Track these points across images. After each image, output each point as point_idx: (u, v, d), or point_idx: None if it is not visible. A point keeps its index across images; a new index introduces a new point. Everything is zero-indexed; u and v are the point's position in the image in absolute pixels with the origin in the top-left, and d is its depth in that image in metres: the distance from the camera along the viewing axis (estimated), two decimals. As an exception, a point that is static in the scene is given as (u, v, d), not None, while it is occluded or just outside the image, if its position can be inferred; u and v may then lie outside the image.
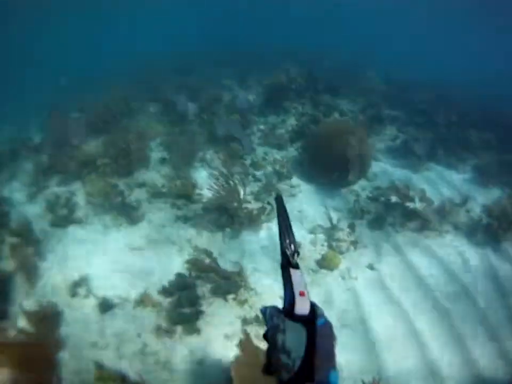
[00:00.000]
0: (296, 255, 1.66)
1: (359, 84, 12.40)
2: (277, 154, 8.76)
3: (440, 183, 8.22)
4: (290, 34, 20.86)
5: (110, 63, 16.44)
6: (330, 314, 4.72)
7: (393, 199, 6.98)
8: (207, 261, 5.34)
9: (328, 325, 1.36)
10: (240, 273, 5.29)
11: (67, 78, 14.57)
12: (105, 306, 5.10)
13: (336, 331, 1.56)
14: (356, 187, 7.74)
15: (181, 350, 4.60)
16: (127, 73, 14.30)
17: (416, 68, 15.72)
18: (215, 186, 6.45)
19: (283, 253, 1.66)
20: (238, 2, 29.27)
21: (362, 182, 7.85)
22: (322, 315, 1.42)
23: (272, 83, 10.86)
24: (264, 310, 1.46)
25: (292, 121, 9.94)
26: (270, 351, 1.29)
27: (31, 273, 5.55)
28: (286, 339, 1.27)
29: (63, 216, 6.66)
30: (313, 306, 1.43)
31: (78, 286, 5.42)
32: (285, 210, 1.95)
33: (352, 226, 6.39)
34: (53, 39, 23.19)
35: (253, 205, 6.82)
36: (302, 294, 1.37)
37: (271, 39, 19.22)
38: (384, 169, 8.49)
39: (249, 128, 9.54)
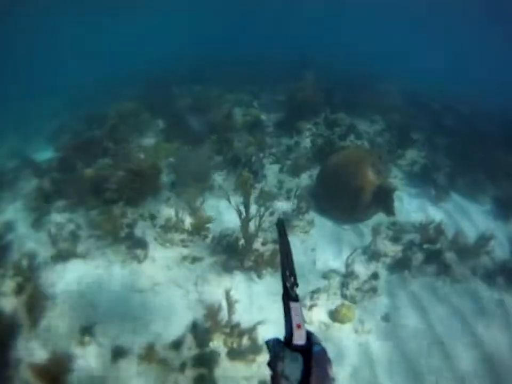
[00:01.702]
0: (295, 287, 1.71)
1: (376, 99, 12.10)
2: (289, 183, 8.46)
3: (459, 216, 7.96)
4: (301, 38, 20.34)
5: (118, 71, 16.37)
6: (341, 372, 4.55)
7: (410, 238, 6.82)
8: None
9: (323, 351, 1.50)
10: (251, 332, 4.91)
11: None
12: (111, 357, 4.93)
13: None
14: (372, 222, 7.37)
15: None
16: (135, 82, 14.29)
17: (437, 81, 15.12)
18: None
19: (284, 285, 1.71)
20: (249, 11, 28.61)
21: (379, 216, 7.55)
22: (318, 343, 1.56)
23: (288, 100, 10.90)
24: (267, 341, 1.61)
25: (306, 143, 9.66)
26: (272, 377, 1.48)
27: (33, 313, 5.41)
28: (285, 366, 1.46)
29: (65, 250, 6.49)
30: (309, 335, 1.56)
31: (81, 331, 5.26)
32: (286, 237, 1.94)
33: (368, 276, 5.96)
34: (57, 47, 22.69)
35: (263, 242, 6.71)
36: (299, 326, 1.53)
37: (284, 43, 18.78)
38: (401, 199, 8.25)
39: (261, 151, 9.02)
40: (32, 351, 4.97)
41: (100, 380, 4.68)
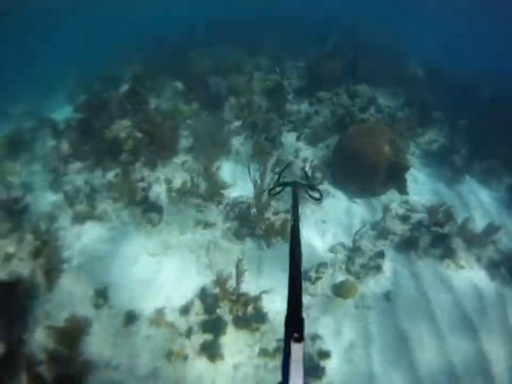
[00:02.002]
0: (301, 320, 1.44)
1: (400, 72, 12.05)
2: (306, 152, 8.54)
3: (472, 201, 7.99)
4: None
5: (135, 36, 16.25)
6: (338, 346, 5.02)
7: (420, 218, 6.84)
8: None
9: None
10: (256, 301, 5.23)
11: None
12: (123, 320, 5.27)
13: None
14: (384, 198, 7.53)
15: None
16: (152, 46, 14.21)
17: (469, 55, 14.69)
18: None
19: (288, 307, 1.49)
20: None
21: (392, 193, 7.70)
22: None
23: (310, 67, 10.91)
24: None
25: (325, 113, 9.61)
26: None
27: (49, 277, 5.70)
28: None
29: (82, 211, 6.76)
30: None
31: (95, 294, 5.57)
32: (299, 248, 1.74)
33: (375, 253, 6.14)
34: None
35: (275, 212, 6.85)
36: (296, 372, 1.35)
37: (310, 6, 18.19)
38: (416, 178, 8.28)
39: (280, 118, 9.09)
40: (48, 313, 5.32)
41: (112, 342, 5.01)
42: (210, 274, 5.81)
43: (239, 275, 5.29)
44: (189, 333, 5.12)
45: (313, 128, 9.04)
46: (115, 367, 4.78)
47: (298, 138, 8.90)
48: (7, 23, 19.70)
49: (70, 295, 5.56)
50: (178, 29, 15.71)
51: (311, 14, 17.57)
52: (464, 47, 17.86)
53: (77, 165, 7.88)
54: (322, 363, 4.90)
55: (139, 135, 7.69)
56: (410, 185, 8.02)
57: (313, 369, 4.79)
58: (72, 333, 4.84)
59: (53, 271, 5.75)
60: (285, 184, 2.64)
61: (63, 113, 10.01)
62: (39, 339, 4.94)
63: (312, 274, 5.79)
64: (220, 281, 5.32)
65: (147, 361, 4.86)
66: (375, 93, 10.32)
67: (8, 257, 5.96)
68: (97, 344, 4.99)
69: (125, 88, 9.45)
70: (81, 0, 22.75)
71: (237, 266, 5.29)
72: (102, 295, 5.54)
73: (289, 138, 8.91)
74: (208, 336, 5.08)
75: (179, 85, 10.42)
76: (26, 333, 5.01)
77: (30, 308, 5.30)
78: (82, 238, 6.44)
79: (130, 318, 5.26)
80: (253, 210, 6.43)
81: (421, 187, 7.99)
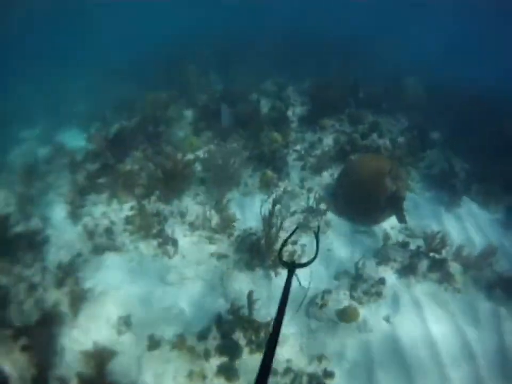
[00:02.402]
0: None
1: (400, 94, 12.71)
2: (311, 181, 9.29)
3: (469, 223, 8.63)
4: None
5: (140, 54, 16.95)
6: (341, 366, 5.77)
7: (419, 244, 7.53)
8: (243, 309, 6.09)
9: None
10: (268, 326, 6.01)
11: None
12: (146, 345, 5.98)
13: None
14: (385, 224, 8.15)
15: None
16: (159, 65, 14.85)
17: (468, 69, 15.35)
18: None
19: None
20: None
21: (393, 219, 8.29)
22: None
23: (313, 94, 11.56)
24: None
25: (328, 141, 10.35)
26: None
27: (74, 305, 6.47)
28: None
29: (101, 244, 7.50)
30: None
31: (118, 321, 6.33)
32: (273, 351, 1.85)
33: (376, 280, 6.81)
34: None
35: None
36: None
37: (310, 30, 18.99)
38: (416, 203, 8.96)
39: (286, 148, 9.82)
40: (75, 339, 6.06)
41: (136, 366, 5.73)
42: (225, 302, 6.54)
43: (251, 305, 5.96)
44: (207, 356, 5.78)
45: (317, 157, 9.80)
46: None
47: (303, 168, 9.56)
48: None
49: (95, 322, 6.32)
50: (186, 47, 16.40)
51: (310, 35, 18.27)
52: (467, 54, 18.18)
53: (93, 197, 8.59)
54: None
55: (152, 169, 8.41)
56: (411, 210, 8.73)
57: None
58: (99, 359, 5.51)
59: (77, 299, 6.50)
60: (283, 264, 2.75)
61: (74, 139, 11.03)
62: (69, 363, 5.68)
63: (318, 301, 6.34)
64: (234, 309, 6.08)
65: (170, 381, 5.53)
66: (377, 118, 11.02)
67: (33, 287, 6.66)
68: (123, 367, 5.71)
69: (137, 120, 10.18)
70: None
71: (249, 298, 5.95)
72: (124, 322, 6.28)
73: (295, 168, 9.61)
74: (225, 359, 5.75)
75: (189, 114, 11.11)
76: (56, 357, 5.71)
77: (58, 334, 6.04)
78: (102, 269, 7.17)
79: (153, 342, 5.99)
80: (262, 242, 7.04)
81: (421, 211, 8.66)
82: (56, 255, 7.35)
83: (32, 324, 5.96)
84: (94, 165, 9.28)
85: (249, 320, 6.03)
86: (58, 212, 8.43)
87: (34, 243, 7.41)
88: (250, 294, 6.03)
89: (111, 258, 7.35)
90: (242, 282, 6.93)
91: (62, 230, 7.97)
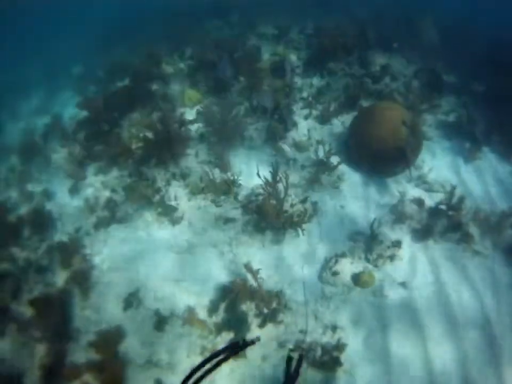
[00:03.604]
0: None
1: (414, 34, 11.95)
2: (321, 130, 9.03)
3: (490, 178, 8.38)
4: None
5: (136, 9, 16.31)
6: (357, 334, 5.81)
7: (437, 200, 7.38)
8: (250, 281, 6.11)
9: None
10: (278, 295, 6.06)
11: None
12: (157, 320, 6.08)
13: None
14: (401, 177, 8.05)
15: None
16: (154, 20, 14.46)
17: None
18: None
19: None
20: None
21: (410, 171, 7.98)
22: None
23: (319, 36, 11.08)
24: None
25: (337, 85, 9.99)
26: None
27: (83, 284, 6.54)
28: None
29: (104, 217, 7.54)
30: None
31: (129, 297, 6.41)
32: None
33: (393, 242, 6.77)
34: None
35: (292, 203, 7.47)
36: None
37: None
38: (433, 152, 8.76)
39: (291, 95, 9.54)
40: (88, 320, 6.20)
41: (148, 343, 5.83)
42: (236, 269, 6.62)
43: (255, 277, 6.03)
44: (219, 330, 5.90)
45: (326, 103, 9.40)
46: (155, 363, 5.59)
47: (311, 116, 9.27)
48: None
49: (105, 300, 6.44)
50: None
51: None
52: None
53: (93, 167, 8.56)
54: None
55: (150, 133, 8.13)
56: (428, 161, 8.57)
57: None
58: (112, 339, 5.63)
59: (85, 279, 6.57)
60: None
61: (71, 106, 10.69)
62: (83, 347, 5.79)
63: (332, 265, 6.30)
64: (239, 282, 6.12)
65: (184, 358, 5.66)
66: (389, 60, 10.69)
67: (41, 269, 6.73)
68: (135, 344, 5.86)
69: (130, 80, 9.84)
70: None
71: (250, 271, 6.07)
72: (135, 297, 6.39)
73: (302, 116, 9.36)
74: (236, 332, 5.87)
75: (185, 67, 10.72)
76: (70, 343, 5.81)
77: (70, 317, 6.18)
78: (108, 242, 7.21)
79: (164, 318, 6.08)
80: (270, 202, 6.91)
81: (439, 163, 8.47)
82: (61, 233, 7.48)
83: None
84: (89, 133, 9.15)
85: (255, 291, 6.02)
86: (60, 187, 8.47)
87: (39, 224, 7.50)
88: (247, 266, 6.03)
89: (116, 231, 7.39)
90: (252, 247, 6.91)
91: (65, 206, 8.04)
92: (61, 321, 6.11)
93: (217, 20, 13.62)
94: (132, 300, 6.35)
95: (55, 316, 6.11)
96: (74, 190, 8.31)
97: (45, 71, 14.53)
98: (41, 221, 7.68)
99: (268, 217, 6.76)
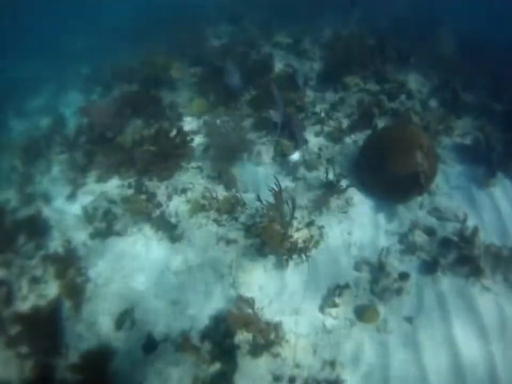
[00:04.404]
0: None
1: (432, 49, 11.74)
2: (332, 149, 8.85)
3: (505, 207, 8.13)
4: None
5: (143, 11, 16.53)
6: (356, 371, 5.62)
7: (449, 230, 7.28)
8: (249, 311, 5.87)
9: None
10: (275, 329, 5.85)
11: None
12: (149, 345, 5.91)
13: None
14: (414, 204, 7.88)
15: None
16: (162, 23, 14.41)
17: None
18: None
19: None
20: None
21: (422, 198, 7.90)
22: None
23: (334, 48, 10.89)
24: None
25: (352, 101, 9.81)
26: None
27: (76, 298, 6.49)
28: None
29: (102, 228, 7.44)
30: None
31: (122, 315, 6.32)
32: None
33: (401, 275, 6.62)
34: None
35: (297, 227, 7.25)
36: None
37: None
38: (447, 177, 8.53)
39: (303, 111, 9.36)
40: (78, 336, 6.12)
41: (139, 368, 5.73)
42: (235, 294, 6.45)
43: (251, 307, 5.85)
44: (213, 359, 5.71)
45: (339, 120, 9.32)
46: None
47: (322, 133, 9.16)
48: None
49: (97, 316, 6.36)
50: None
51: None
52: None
53: (94, 174, 8.47)
54: None
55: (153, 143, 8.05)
56: (441, 185, 8.41)
57: None
58: (98, 361, 5.58)
59: (78, 293, 6.50)
60: None
61: (76, 108, 10.61)
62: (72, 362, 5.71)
63: (335, 298, 6.16)
64: (236, 310, 5.90)
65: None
66: (405, 75, 10.51)
67: (35, 280, 6.78)
68: (125, 368, 5.76)
69: (136, 83, 9.73)
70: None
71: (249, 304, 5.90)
72: (128, 316, 6.30)
73: (313, 132, 9.20)
74: (225, 363, 5.70)
75: (194, 74, 10.58)
76: (60, 357, 5.82)
77: (61, 331, 6.12)
78: (105, 255, 7.13)
79: (157, 342, 6.01)
80: (275, 226, 6.78)
81: (452, 189, 8.24)
82: (58, 242, 7.40)
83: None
84: (91, 139, 9.08)
85: (253, 321, 5.80)
86: (60, 193, 8.37)
87: (35, 231, 7.45)
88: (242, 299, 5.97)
89: (114, 244, 7.30)
90: (253, 272, 6.78)
91: (64, 213, 7.95)
92: (51, 336, 6.03)
93: (231, 25, 13.33)
94: (125, 319, 6.25)
95: (46, 330, 6.04)
96: (72, 197, 8.23)
97: (55, 69, 14.69)
98: (38, 228, 7.63)
99: (271, 243, 6.48)
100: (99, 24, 16.70)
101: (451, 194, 8.19)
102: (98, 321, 6.29)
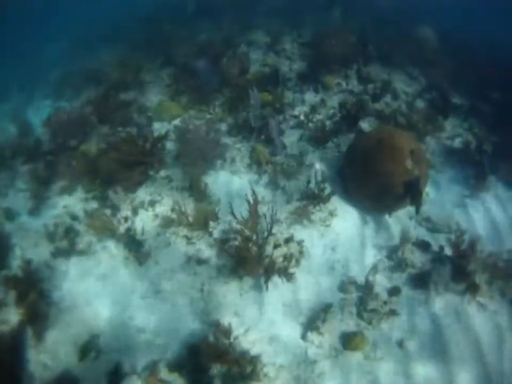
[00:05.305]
0: None
1: (415, 47, 11.21)
2: (313, 155, 8.09)
3: (499, 214, 7.60)
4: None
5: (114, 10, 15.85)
6: None
7: (442, 242, 6.67)
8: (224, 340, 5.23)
9: None
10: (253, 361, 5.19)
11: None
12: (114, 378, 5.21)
13: None
14: (402, 214, 7.25)
15: None
16: (132, 21, 14.02)
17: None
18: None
19: None
20: None
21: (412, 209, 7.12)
22: None
23: (314, 46, 10.30)
24: None
25: (333, 102, 9.10)
26: None
27: (39, 325, 5.77)
28: None
29: (64, 247, 6.71)
30: None
31: (87, 344, 5.60)
32: None
33: (391, 292, 6.04)
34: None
35: (276, 244, 6.55)
36: None
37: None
38: (437, 183, 8.01)
39: (281, 112, 8.57)
40: (43, 365, 5.44)
41: None
42: (207, 320, 5.78)
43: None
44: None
45: (320, 123, 8.55)
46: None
47: (302, 137, 8.40)
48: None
49: (61, 345, 5.66)
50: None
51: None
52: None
53: (57, 186, 7.68)
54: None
55: (118, 151, 7.28)
56: (432, 193, 7.84)
57: None
58: None
59: (41, 318, 5.81)
60: None
61: (45, 113, 9.70)
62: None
63: (319, 323, 5.44)
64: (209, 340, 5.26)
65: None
66: (389, 75, 9.91)
67: None
68: None
69: (104, 86, 8.89)
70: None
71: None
72: (94, 345, 5.62)
73: (292, 137, 8.41)
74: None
75: (165, 75, 9.77)
76: None
77: (23, 361, 5.43)
78: (68, 277, 6.41)
79: (123, 374, 5.27)
80: (250, 246, 6.01)
81: (443, 195, 7.75)
82: (19, 261, 6.57)
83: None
84: (53, 149, 8.31)
85: (228, 351, 5.11)
86: (24, 207, 7.56)
87: None
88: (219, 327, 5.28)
89: (77, 264, 6.53)
90: (227, 295, 6.04)
91: (26, 229, 7.14)
92: (13, 366, 5.30)
93: (207, 23, 12.51)
94: (90, 348, 5.55)
95: (8, 359, 5.29)
96: (35, 212, 7.42)
97: (26, 75, 14.03)
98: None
99: (246, 264, 5.70)
100: (75, 29, 15.97)
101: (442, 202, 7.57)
102: (62, 351, 5.58)
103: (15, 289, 6.06)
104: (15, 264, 6.52)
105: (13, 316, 5.91)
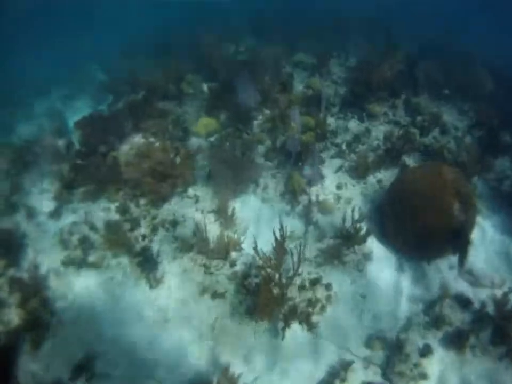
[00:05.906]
0: None
1: (465, 79, 10.20)
2: (352, 189, 7.39)
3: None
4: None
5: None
6: None
7: (485, 299, 5.71)
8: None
9: None
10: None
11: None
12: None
13: None
14: (443, 265, 6.40)
15: None
16: (183, 31, 13.43)
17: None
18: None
19: None
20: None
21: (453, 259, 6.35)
22: None
23: (361, 72, 9.34)
24: None
25: (378, 133, 8.33)
26: None
27: (37, 333, 5.40)
28: None
29: (77, 257, 6.28)
30: None
31: (82, 364, 5.12)
32: None
33: (423, 352, 5.21)
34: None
35: (301, 285, 5.85)
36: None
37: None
38: (483, 231, 7.06)
39: (322, 140, 7.84)
40: (33, 375, 5.00)
41: None
42: (213, 361, 5.15)
43: None
44: None
45: (363, 154, 7.78)
46: None
47: (342, 168, 7.73)
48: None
49: (56, 358, 5.22)
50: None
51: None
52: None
53: (80, 191, 7.28)
54: None
55: (148, 162, 6.90)
56: (476, 242, 6.78)
57: None
58: None
59: (40, 327, 5.44)
60: None
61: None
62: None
63: (337, 382, 4.66)
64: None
65: None
66: (439, 108, 9.10)
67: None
68: None
69: (143, 93, 8.83)
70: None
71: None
72: (89, 366, 5.12)
73: (331, 168, 7.64)
74: None
75: (206, 88, 9.40)
76: None
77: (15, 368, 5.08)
78: (75, 288, 5.95)
79: None
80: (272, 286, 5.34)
81: (488, 244, 6.80)
82: (29, 263, 6.23)
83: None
84: (82, 153, 7.90)
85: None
86: (44, 208, 7.21)
87: (8, 247, 6.38)
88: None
89: (88, 276, 6.09)
90: (239, 337, 5.36)
91: (43, 231, 6.79)
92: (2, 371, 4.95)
93: (253, 39, 11.99)
94: (84, 369, 5.06)
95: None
96: (55, 215, 7.02)
97: (70, 72, 13.95)
98: (12, 244, 6.51)
99: (266, 306, 5.09)
100: (125, 27, 16.11)
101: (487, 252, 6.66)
102: (56, 364, 5.13)
103: (20, 292, 5.75)
104: (25, 265, 6.19)
105: (13, 318, 5.59)
